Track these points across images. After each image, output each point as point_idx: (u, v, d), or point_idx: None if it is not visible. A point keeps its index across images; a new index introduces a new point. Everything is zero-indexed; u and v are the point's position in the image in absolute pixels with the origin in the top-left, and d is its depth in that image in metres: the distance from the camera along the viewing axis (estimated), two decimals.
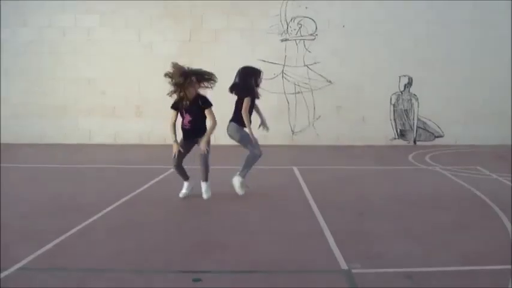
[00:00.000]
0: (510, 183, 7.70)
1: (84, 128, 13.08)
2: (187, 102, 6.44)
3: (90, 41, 12.85)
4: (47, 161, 10.16)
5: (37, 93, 12.86)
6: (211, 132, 6.57)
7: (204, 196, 6.69)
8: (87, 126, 13.09)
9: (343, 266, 4.18)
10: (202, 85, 6.54)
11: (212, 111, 6.61)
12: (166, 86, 13.05)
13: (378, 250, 4.60)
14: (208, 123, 6.60)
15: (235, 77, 6.83)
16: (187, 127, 6.57)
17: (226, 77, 12.63)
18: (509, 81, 12.81)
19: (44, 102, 12.89)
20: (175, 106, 6.58)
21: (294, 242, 4.91)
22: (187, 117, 6.54)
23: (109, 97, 12.94)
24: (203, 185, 6.73)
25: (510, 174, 8.30)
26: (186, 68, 6.49)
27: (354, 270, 4.07)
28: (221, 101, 6.98)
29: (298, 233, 5.20)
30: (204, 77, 6.54)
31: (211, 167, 6.71)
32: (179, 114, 6.59)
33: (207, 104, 6.61)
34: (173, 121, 6.59)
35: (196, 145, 6.68)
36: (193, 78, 6.44)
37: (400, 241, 4.91)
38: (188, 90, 6.41)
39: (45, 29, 12.80)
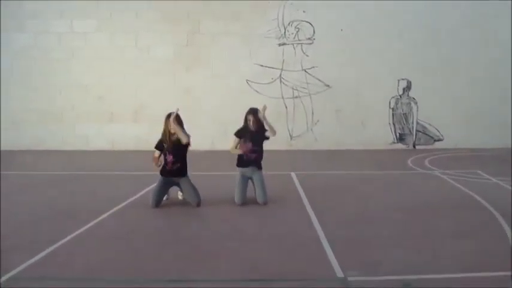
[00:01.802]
0: (510, 187, 7.62)
1: (81, 134, 13.03)
2: (170, 142, 6.54)
3: (86, 46, 12.81)
4: (43, 168, 10.09)
5: (34, 100, 12.82)
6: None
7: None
8: (84, 132, 13.04)
9: (339, 273, 4.09)
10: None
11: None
12: (164, 90, 13.06)
13: (375, 257, 4.52)
14: None
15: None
16: (169, 167, 6.60)
17: (223, 80, 12.68)
18: (509, 84, 12.77)
19: (41, 108, 12.86)
20: (158, 147, 6.65)
21: (290, 249, 4.82)
22: (170, 158, 6.57)
23: (106, 102, 12.89)
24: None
25: (510, 178, 8.23)
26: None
27: (350, 278, 3.99)
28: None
29: (294, 240, 5.11)
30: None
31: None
32: (162, 155, 6.66)
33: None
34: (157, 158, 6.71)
35: (175, 186, 6.79)
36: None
37: (398, 248, 4.82)
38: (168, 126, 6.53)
39: (42, 34, 12.76)
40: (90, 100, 12.90)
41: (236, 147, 6.87)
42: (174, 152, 6.54)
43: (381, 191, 7.69)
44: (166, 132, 6.52)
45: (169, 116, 6.52)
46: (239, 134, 6.84)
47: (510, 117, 12.64)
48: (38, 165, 10.50)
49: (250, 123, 6.76)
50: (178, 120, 6.55)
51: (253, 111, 6.82)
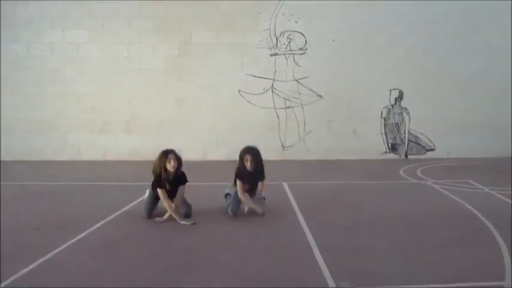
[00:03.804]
0: (502, 197, 7.65)
1: (73, 144, 12.94)
2: (168, 181, 6.43)
3: (79, 57, 12.77)
4: (36, 178, 10.01)
5: (26, 109, 12.73)
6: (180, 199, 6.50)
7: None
8: (76, 143, 12.94)
9: (331, 284, 4.08)
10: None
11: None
12: (156, 101, 13.03)
13: (367, 267, 4.51)
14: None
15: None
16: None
17: (215, 90, 12.67)
18: (502, 94, 12.86)
19: (33, 118, 12.77)
20: (159, 184, 6.45)
21: (281, 259, 4.81)
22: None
23: (98, 113, 12.83)
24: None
25: (502, 188, 8.26)
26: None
27: None
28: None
29: (286, 250, 5.10)
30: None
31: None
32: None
33: (185, 181, 6.55)
34: (164, 197, 6.43)
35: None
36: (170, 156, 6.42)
37: (391, 257, 4.82)
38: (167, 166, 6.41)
39: (34, 44, 12.72)
40: (83, 110, 12.82)
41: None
42: (171, 187, 6.45)
43: (373, 201, 7.69)
44: (163, 170, 6.38)
45: (166, 153, 6.42)
46: (240, 175, 6.71)
47: (502, 127, 12.70)
48: (30, 176, 10.42)
49: (248, 163, 6.66)
50: (179, 161, 6.51)
51: (250, 151, 6.73)
